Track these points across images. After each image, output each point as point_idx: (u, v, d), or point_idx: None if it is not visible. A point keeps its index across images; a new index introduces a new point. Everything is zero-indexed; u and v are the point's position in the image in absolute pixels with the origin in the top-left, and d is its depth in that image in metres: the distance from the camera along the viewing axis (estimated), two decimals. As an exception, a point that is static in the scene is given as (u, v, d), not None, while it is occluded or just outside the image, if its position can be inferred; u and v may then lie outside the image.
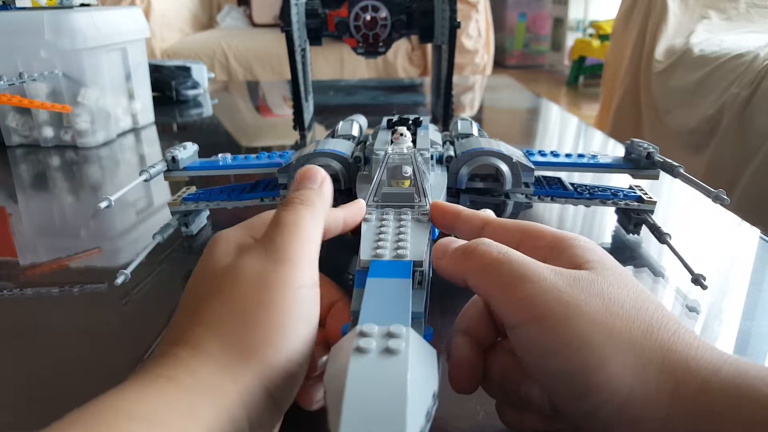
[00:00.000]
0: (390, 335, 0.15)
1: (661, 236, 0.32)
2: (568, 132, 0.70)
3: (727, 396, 0.14)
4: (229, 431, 0.14)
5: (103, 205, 0.29)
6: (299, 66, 0.58)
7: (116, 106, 0.62)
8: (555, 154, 0.35)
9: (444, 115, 0.62)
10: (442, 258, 0.19)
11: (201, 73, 0.83)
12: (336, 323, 0.19)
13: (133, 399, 0.13)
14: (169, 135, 0.68)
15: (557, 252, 0.18)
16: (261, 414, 0.15)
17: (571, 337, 0.15)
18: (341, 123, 0.38)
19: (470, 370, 0.18)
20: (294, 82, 0.59)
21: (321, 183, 0.21)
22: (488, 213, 0.27)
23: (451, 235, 0.22)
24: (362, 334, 0.15)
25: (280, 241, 0.18)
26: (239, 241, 0.19)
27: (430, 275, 0.21)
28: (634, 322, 0.15)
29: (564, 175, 0.36)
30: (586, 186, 0.34)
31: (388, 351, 0.14)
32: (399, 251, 0.20)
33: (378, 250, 0.20)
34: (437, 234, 0.25)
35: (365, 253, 0.20)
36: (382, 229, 0.22)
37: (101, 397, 0.13)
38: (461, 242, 0.19)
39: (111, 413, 0.13)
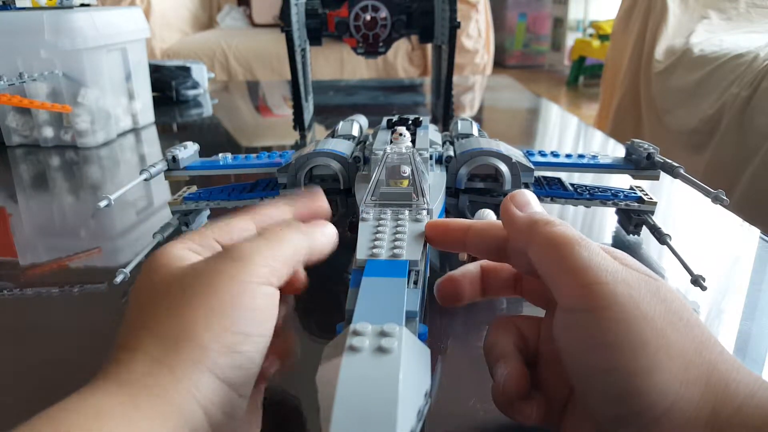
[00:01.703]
0: (383, 334, 0.15)
1: (661, 237, 0.32)
2: (568, 132, 0.70)
3: (761, 421, 0.14)
4: (181, 423, 0.14)
5: (103, 204, 0.29)
6: (299, 66, 0.58)
7: (116, 106, 0.62)
8: (555, 155, 0.35)
9: (444, 115, 0.62)
10: (519, 211, 0.19)
11: (201, 73, 0.83)
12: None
13: (79, 404, 0.14)
14: (169, 135, 0.68)
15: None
16: (217, 402, 0.15)
17: (631, 335, 0.15)
18: (341, 123, 0.38)
19: (524, 379, 0.18)
20: (294, 82, 0.59)
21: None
22: (489, 214, 0.27)
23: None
24: (355, 333, 0.15)
25: (244, 244, 0.18)
26: (182, 252, 0.19)
27: (427, 274, 0.21)
28: (688, 335, 0.15)
29: (564, 176, 0.36)
30: (586, 186, 0.34)
31: (381, 350, 0.14)
32: (395, 251, 0.20)
33: (374, 250, 0.20)
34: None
35: (361, 252, 0.20)
36: (379, 228, 0.22)
37: (50, 408, 0.14)
38: (536, 206, 0.19)
39: (51, 424, 0.13)
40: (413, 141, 0.33)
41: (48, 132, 0.59)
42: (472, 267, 0.22)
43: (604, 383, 0.15)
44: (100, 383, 0.15)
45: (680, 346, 0.15)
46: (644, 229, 0.34)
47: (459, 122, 0.37)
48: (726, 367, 0.15)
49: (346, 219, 0.32)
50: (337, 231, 0.21)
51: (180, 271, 0.17)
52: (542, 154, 0.35)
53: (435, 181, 0.29)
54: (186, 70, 0.80)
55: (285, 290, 0.20)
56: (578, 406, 0.18)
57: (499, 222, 0.20)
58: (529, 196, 0.20)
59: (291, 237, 0.19)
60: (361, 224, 0.23)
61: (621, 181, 0.38)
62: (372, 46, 0.60)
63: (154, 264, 0.18)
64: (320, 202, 0.23)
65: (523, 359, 0.19)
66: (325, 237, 0.20)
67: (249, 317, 0.16)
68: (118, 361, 0.15)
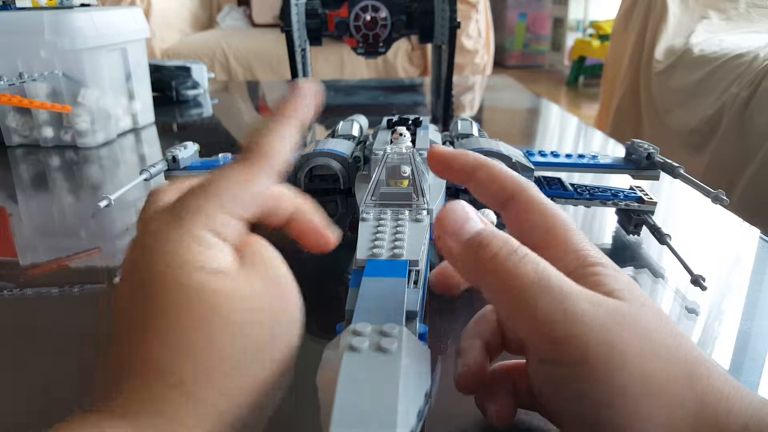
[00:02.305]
0: (383, 334, 0.15)
1: (661, 237, 0.32)
2: (568, 132, 0.70)
3: None
4: None
5: (103, 204, 0.29)
6: (299, 66, 0.58)
7: (116, 106, 0.62)
8: (555, 155, 0.35)
9: (444, 115, 0.62)
10: (456, 242, 0.15)
11: (201, 73, 0.82)
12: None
13: None
14: (169, 135, 0.68)
15: (581, 273, 0.16)
16: None
17: (612, 388, 0.13)
18: (341, 123, 0.38)
19: (478, 377, 0.18)
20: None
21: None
22: (489, 214, 0.26)
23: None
24: (355, 333, 0.15)
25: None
26: (203, 236, 0.15)
27: (428, 274, 0.21)
28: (673, 370, 0.14)
29: (564, 176, 0.36)
30: (586, 186, 0.34)
31: (381, 350, 0.14)
32: (395, 251, 0.20)
33: (374, 250, 0.20)
34: (436, 234, 0.25)
35: (361, 252, 0.20)
36: (379, 228, 0.22)
37: None
38: (477, 220, 0.16)
39: None
40: (413, 141, 0.33)
41: (48, 132, 0.59)
42: (468, 160, 0.18)
43: (581, 426, 0.14)
44: None
45: (667, 388, 0.14)
46: (644, 229, 0.34)
47: (459, 122, 0.37)
48: (716, 397, 0.14)
49: (346, 219, 0.32)
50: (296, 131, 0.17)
51: (197, 291, 0.14)
52: (542, 154, 0.35)
53: (435, 181, 0.29)
54: (186, 70, 0.80)
55: (307, 244, 0.18)
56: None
57: (508, 175, 0.17)
58: (466, 210, 0.16)
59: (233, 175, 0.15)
60: (361, 224, 0.23)
61: (621, 181, 0.38)
62: (372, 46, 0.60)
63: (153, 264, 0.14)
64: (306, 94, 0.18)
65: (485, 355, 0.18)
66: (286, 137, 0.17)
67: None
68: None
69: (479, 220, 0.16)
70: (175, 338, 0.13)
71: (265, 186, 0.17)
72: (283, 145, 0.17)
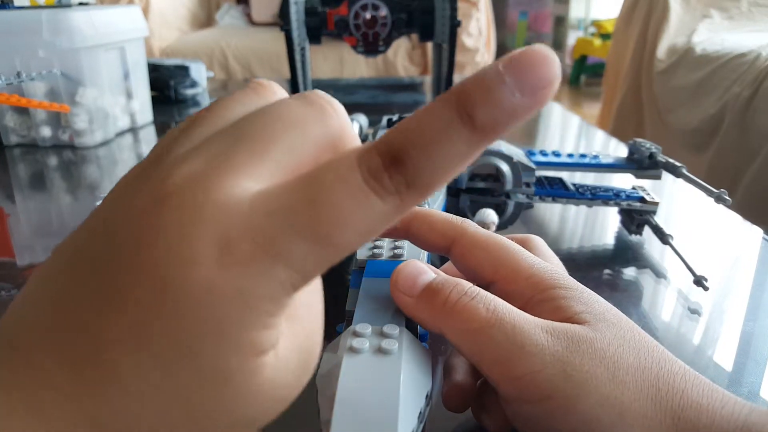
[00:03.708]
0: (383, 335, 0.15)
1: (663, 237, 0.31)
2: (569, 131, 0.70)
3: None
4: None
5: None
6: (299, 65, 0.58)
7: (114, 105, 0.62)
8: (556, 154, 0.35)
9: (444, 115, 0.62)
10: (410, 296, 0.15)
11: (200, 72, 0.82)
12: None
13: None
14: (168, 134, 0.68)
15: (538, 299, 0.16)
16: None
17: (579, 419, 0.14)
18: (340, 122, 0.38)
19: (466, 393, 0.17)
20: (293, 81, 0.58)
21: None
22: (490, 214, 0.26)
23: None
24: (355, 334, 0.15)
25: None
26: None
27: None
28: (641, 389, 0.14)
29: (566, 175, 0.35)
30: (588, 186, 0.34)
31: (381, 351, 0.14)
32: (396, 251, 0.20)
33: (375, 250, 0.20)
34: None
35: (361, 252, 0.20)
36: (380, 229, 0.22)
37: None
38: (429, 273, 0.16)
39: None
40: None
41: (46, 131, 0.59)
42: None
43: None
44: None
45: (635, 408, 0.13)
46: (646, 229, 0.34)
47: (459, 121, 0.37)
48: (695, 410, 0.13)
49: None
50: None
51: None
52: (543, 153, 0.35)
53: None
54: (185, 69, 0.80)
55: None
56: None
57: (446, 222, 0.17)
58: (417, 267, 0.16)
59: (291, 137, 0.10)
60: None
61: (623, 181, 0.38)
62: (372, 44, 0.60)
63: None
64: None
65: (472, 370, 0.17)
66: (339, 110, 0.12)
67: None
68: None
69: (431, 272, 0.16)
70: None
71: None
72: None
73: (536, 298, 0.16)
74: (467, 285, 0.15)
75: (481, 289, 0.15)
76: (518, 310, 0.15)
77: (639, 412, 0.13)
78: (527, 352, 0.14)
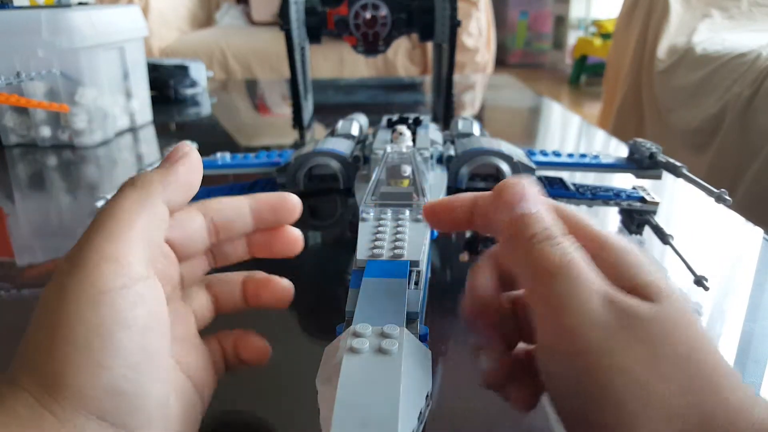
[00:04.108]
0: (384, 335, 0.15)
1: (663, 237, 0.31)
2: (570, 131, 0.70)
3: None
4: None
5: (101, 204, 0.29)
6: (298, 64, 0.58)
7: (114, 105, 0.62)
8: (557, 154, 0.35)
9: (445, 114, 0.62)
10: (504, 214, 0.16)
11: (199, 72, 0.82)
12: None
13: None
14: (167, 134, 0.68)
15: (608, 259, 0.15)
16: None
17: (607, 389, 0.13)
18: (341, 122, 0.38)
19: (506, 368, 0.17)
20: (293, 81, 0.58)
21: (176, 161, 0.17)
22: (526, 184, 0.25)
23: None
24: (355, 335, 0.15)
25: (84, 240, 0.15)
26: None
27: (428, 275, 0.21)
28: (678, 381, 0.13)
29: (566, 175, 0.35)
30: (588, 186, 0.34)
31: (381, 351, 0.14)
32: (396, 251, 0.20)
33: (375, 250, 0.20)
34: (435, 234, 0.25)
35: (362, 252, 0.20)
36: (379, 228, 0.22)
37: None
38: (533, 202, 0.16)
39: None
40: (414, 140, 0.32)
41: (45, 131, 0.59)
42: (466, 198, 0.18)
43: (581, 426, 0.14)
44: None
45: (665, 399, 0.13)
46: (647, 229, 0.34)
47: (460, 121, 0.37)
48: (725, 412, 0.13)
49: (345, 219, 0.32)
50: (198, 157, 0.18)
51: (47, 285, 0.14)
52: (544, 153, 0.35)
53: (435, 181, 0.29)
54: (184, 69, 0.80)
55: (261, 300, 0.19)
56: None
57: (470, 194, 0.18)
58: (524, 189, 0.16)
59: (137, 196, 0.16)
60: (361, 224, 0.22)
61: (623, 181, 0.38)
62: (372, 44, 0.60)
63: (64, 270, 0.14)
64: (288, 202, 0.19)
65: (503, 347, 0.17)
66: (186, 166, 0.17)
67: (127, 342, 0.14)
68: (1, 396, 0.13)
69: (534, 203, 0.16)
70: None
71: (184, 215, 0.18)
72: (226, 202, 0.19)
73: (606, 257, 0.15)
74: (557, 231, 0.15)
75: (568, 238, 0.15)
76: (591, 269, 0.15)
77: (670, 403, 0.13)
78: (580, 309, 0.14)
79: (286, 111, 0.69)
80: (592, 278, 0.14)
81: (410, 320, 0.17)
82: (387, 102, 0.82)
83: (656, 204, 0.33)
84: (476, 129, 0.36)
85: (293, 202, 0.20)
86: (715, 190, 0.29)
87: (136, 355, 0.14)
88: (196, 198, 0.38)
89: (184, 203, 0.18)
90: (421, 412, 0.14)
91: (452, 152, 0.32)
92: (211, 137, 0.65)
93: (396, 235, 0.21)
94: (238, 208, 0.19)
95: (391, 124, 0.35)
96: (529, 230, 0.15)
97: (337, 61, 1.67)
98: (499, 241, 0.17)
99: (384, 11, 0.58)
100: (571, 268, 0.14)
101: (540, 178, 0.35)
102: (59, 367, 0.13)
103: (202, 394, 0.18)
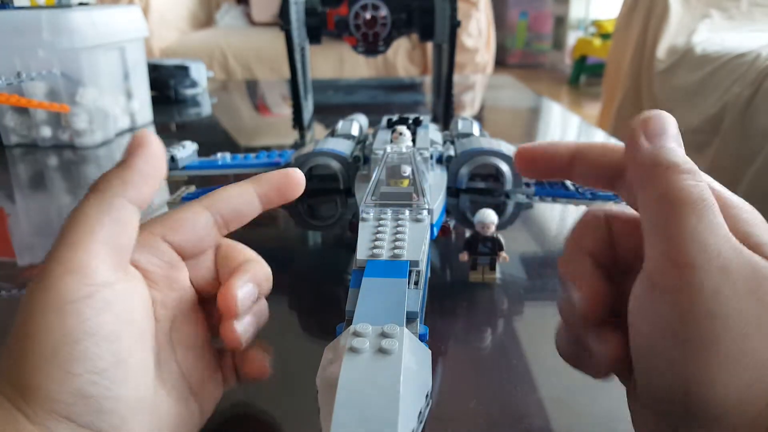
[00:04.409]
0: (384, 335, 0.15)
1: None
2: (569, 131, 0.70)
3: None
4: None
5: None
6: (298, 65, 0.58)
7: (114, 105, 0.62)
8: (556, 154, 0.35)
9: (444, 115, 0.62)
10: (647, 140, 0.15)
11: (200, 72, 0.82)
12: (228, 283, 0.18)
13: None
14: (167, 134, 0.68)
15: (737, 227, 0.15)
16: None
17: (704, 336, 0.13)
18: (341, 122, 0.38)
19: (606, 303, 0.16)
20: (293, 81, 0.58)
21: (134, 153, 0.17)
22: (489, 214, 0.25)
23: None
24: (356, 334, 0.15)
25: (50, 251, 0.15)
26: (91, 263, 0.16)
27: (428, 275, 0.21)
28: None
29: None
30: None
31: (382, 351, 0.14)
32: (396, 251, 0.20)
33: (375, 250, 0.20)
34: (435, 234, 0.25)
35: (361, 252, 0.20)
36: (379, 228, 0.22)
37: None
38: (670, 139, 0.15)
39: None
40: (413, 140, 0.32)
41: (46, 132, 0.59)
42: (563, 145, 0.18)
43: (661, 374, 0.14)
44: None
45: (755, 357, 0.13)
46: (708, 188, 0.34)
47: (460, 121, 0.37)
48: None
49: (345, 219, 0.32)
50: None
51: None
52: (544, 153, 0.35)
53: (435, 181, 0.29)
54: (184, 69, 0.80)
55: (245, 374, 0.18)
56: None
57: (615, 145, 0.17)
58: (666, 122, 0.16)
59: (98, 201, 0.16)
60: (361, 224, 0.22)
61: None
62: (372, 44, 0.60)
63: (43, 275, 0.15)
64: (292, 179, 0.20)
65: (602, 277, 0.16)
66: (144, 157, 0.16)
67: (93, 348, 0.14)
68: None
69: (678, 140, 0.16)
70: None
71: (191, 217, 0.18)
72: (232, 195, 0.19)
73: (728, 212, 0.15)
74: (697, 169, 0.15)
75: (706, 181, 0.15)
76: (722, 213, 0.14)
77: (753, 360, 0.13)
78: (703, 245, 0.13)
79: (286, 111, 0.69)
80: (724, 223, 0.14)
81: (410, 320, 0.17)
82: (387, 102, 0.82)
83: (656, 204, 0.33)
84: (476, 129, 0.36)
85: (297, 178, 0.20)
86: (714, 190, 0.29)
87: (103, 361, 0.14)
88: (199, 196, 0.38)
89: (152, 195, 0.17)
90: (420, 412, 0.14)
91: (452, 152, 0.32)
92: (212, 137, 0.65)
93: (396, 235, 0.21)
94: (245, 196, 0.19)
95: (390, 125, 0.35)
96: (674, 159, 0.15)
97: (337, 62, 1.67)
98: (628, 167, 0.16)
99: (384, 11, 0.58)
100: (710, 206, 0.14)
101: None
102: (29, 373, 0.14)
103: (202, 402, 0.18)
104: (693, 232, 0.14)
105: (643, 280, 0.15)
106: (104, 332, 0.14)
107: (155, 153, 0.17)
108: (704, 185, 0.14)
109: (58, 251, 0.15)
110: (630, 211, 0.17)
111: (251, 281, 0.18)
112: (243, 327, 0.18)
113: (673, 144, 0.15)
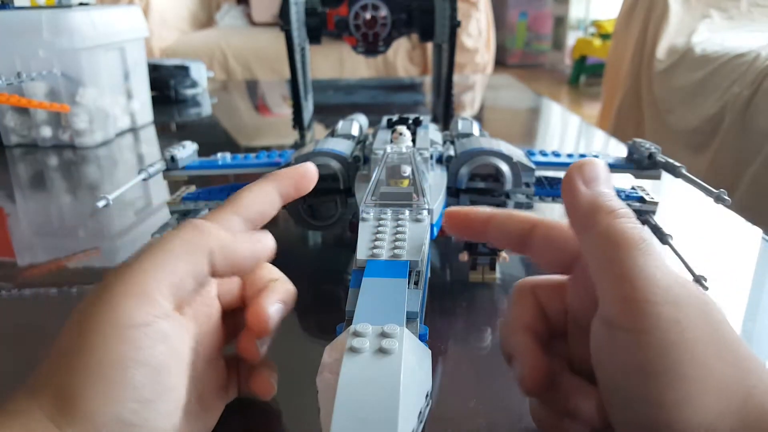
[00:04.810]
0: (384, 335, 0.15)
1: (662, 237, 0.31)
2: (569, 131, 0.70)
3: None
4: None
5: (101, 204, 0.29)
6: (298, 65, 0.58)
7: (114, 105, 0.62)
8: (556, 154, 0.35)
9: (444, 115, 0.62)
10: (585, 186, 0.16)
11: (200, 72, 0.82)
12: (261, 301, 0.18)
13: None
14: (167, 134, 0.68)
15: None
16: None
17: (670, 365, 0.14)
18: (341, 122, 0.38)
19: (546, 373, 0.17)
20: (293, 81, 0.58)
21: (252, 241, 0.18)
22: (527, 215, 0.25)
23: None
24: (356, 334, 0.15)
25: (122, 268, 0.15)
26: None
27: (428, 275, 0.21)
28: (731, 362, 0.14)
29: (565, 175, 0.35)
30: (587, 186, 0.34)
31: (382, 351, 0.14)
32: (396, 251, 0.20)
33: (375, 250, 0.20)
34: (435, 234, 0.25)
35: (362, 252, 0.20)
36: (379, 228, 0.22)
37: None
38: (604, 184, 0.17)
39: None
40: (413, 140, 0.32)
41: (46, 132, 0.59)
42: (482, 210, 0.19)
43: (632, 408, 0.14)
44: None
45: (720, 376, 0.14)
46: (646, 229, 0.34)
47: (459, 121, 0.37)
48: (764, 389, 0.14)
49: (345, 219, 0.32)
50: (273, 243, 0.19)
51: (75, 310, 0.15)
52: (543, 153, 0.35)
53: (435, 181, 0.29)
54: (185, 69, 0.80)
55: (252, 388, 0.18)
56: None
57: (522, 213, 0.19)
58: (599, 169, 0.17)
59: (188, 240, 0.16)
60: (361, 224, 0.22)
61: (622, 181, 0.38)
62: (372, 44, 0.60)
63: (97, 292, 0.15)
64: (307, 174, 0.20)
65: (539, 348, 0.17)
66: (250, 243, 0.18)
67: (141, 378, 0.14)
68: (16, 412, 0.14)
69: (609, 184, 0.17)
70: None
71: (236, 226, 0.18)
72: (257, 197, 0.19)
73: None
74: (633, 215, 0.16)
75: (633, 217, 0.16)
76: (662, 256, 0.15)
77: (721, 379, 0.14)
78: (652, 281, 0.14)
79: (286, 111, 0.69)
80: (665, 259, 0.15)
81: (410, 320, 0.17)
82: (387, 102, 0.82)
83: (655, 204, 0.33)
84: (476, 129, 0.36)
85: (312, 172, 0.21)
86: (714, 190, 0.29)
87: (148, 391, 0.14)
88: (199, 196, 0.37)
89: (225, 273, 0.18)
90: (420, 412, 0.14)
91: (452, 152, 0.32)
92: (212, 137, 0.65)
93: (396, 235, 0.21)
94: (268, 196, 0.20)
95: (390, 125, 0.35)
96: (613, 204, 0.16)
97: (337, 62, 1.67)
98: (568, 211, 0.17)
99: (384, 12, 0.58)
100: (651, 245, 0.15)
101: (540, 178, 0.35)
102: (73, 392, 0.14)
103: (207, 415, 0.18)
104: (642, 270, 0.14)
105: (601, 323, 0.15)
106: (155, 363, 0.15)
107: (266, 246, 0.18)
108: (642, 227, 0.16)
109: (127, 273, 0.15)
110: (553, 277, 0.19)
111: (281, 301, 0.19)
112: (262, 342, 0.19)
113: (607, 189, 0.17)
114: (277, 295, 0.19)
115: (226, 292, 0.19)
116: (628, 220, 0.15)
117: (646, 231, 0.15)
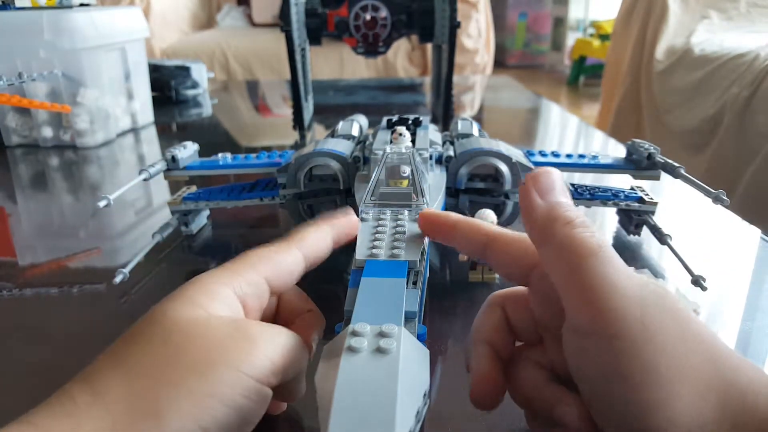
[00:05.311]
0: (382, 335, 0.15)
1: (661, 237, 0.32)
2: (568, 132, 0.70)
3: None
4: None
5: (102, 204, 0.29)
6: (299, 66, 0.58)
7: (115, 106, 0.62)
8: (555, 155, 0.35)
9: (444, 115, 0.62)
10: (540, 198, 0.16)
11: (200, 73, 0.82)
12: (303, 331, 0.19)
13: None
14: (168, 135, 0.68)
15: None
16: None
17: (643, 366, 0.14)
18: (341, 123, 0.38)
19: (495, 386, 0.17)
20: (294, 82, 0.59)
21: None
22: (489, 215, 0.26)
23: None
24: (354, 334, 0.15)
25: (255, 327, 0.16)
26: (216, 288, 0.17)
27: (427, 275, 0.21)
28: (702, 353, 0.14)
29: (564, 176, 0.35)
30: (586, 187, 0.34)
31: (380, 350, 0.14)
32: (395, 251, 0.20)
33: (374, 250, 0.20)
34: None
35: (361, 252, 0.20)
36: (378, 228, 0.22)
37: None
38: (560, 194, 0.17)
39: None
40: (413, 141, 0.32)
41: (47, 132, 0.59)
42: (450, 216, 0.20)
43: (615, 412, 0.14)
44: (48, 422, 0.13)
45: (695, 370, 0.14)
46: (645, 230, 0.34)
47: (459, 122, 0.37)
48: (742, 379, 0.14)
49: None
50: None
51: (180, 323, 0.15)
52: (542, 154, 0.35)
53: (435, 181, 0.29)
54: (185, 70, 0.80)
55: (276, 399, 0.18)
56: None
57: (484, 224, 0.19)
58: (554, 178, 0.17)
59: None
60: (360, 224, 0.22)
61: (621, 182, 0.38)
62: (372, 45, 0.60)
63: (171, 302, 0.16)
64: (356, 224, 0.22)
65: (494, 361, 0.17)
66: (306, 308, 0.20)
67: (225, 415, 0.15)
68: (74, 401, 0.14)
69: (566, 194, 0.17)
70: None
71: (291, 260, 0.19)
72: (318, 239, 0.20)
73: None
74: (590, 222, 0.16)
75: (591, 226, 0.16)
76: (617, 255, 0.15)
77: (697, 375, 0.14)
78: (614, 286, 0.14)
79: (286, 112, 0.69)
80: (623, 262, 0.15)
81: (408, 319, 0.17)
82: (387, 103, 0.82)
83: (654, 204, 0.33)
84: (475, 130, 0.36)
85: (357, 222, 0.22)
86: (712, 190, 0.29)
87: (226, 429, 0.15)
88: (200, 196, 0.38)
89: (278, 292, 0.19)
90: (418, 411, 0.14)
91: (451, 153, 0.32)
92: (212, 138, 0.65)
93: (395, 235, 0.21)
94: (325, 241, 0.21)
95: (390, 125, 0.35)
96: (569, 215, 0.16)
97: (337, 63, 1.68)
98: (525, 223, 0.17)
99: (384, 13, 0.59)
100: (609, 252, 0.15)
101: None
102: (157, 398, 0.14)
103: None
104: (604, 277, 0.15)
105: (571, 332, 0.15)
106: (243, 417, 0.15)
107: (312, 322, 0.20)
108: (599, 236, 0.16)
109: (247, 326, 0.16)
110: (521, 288, 0.19)
111: (318, 335, 0.20)
112: None
113: (564, 198, 0.17)
114: (317, 330, 0.20)
115: (265, 317, 0.20)
116: (585, 230, 0.16)
117: (603, 237, 0.16)
